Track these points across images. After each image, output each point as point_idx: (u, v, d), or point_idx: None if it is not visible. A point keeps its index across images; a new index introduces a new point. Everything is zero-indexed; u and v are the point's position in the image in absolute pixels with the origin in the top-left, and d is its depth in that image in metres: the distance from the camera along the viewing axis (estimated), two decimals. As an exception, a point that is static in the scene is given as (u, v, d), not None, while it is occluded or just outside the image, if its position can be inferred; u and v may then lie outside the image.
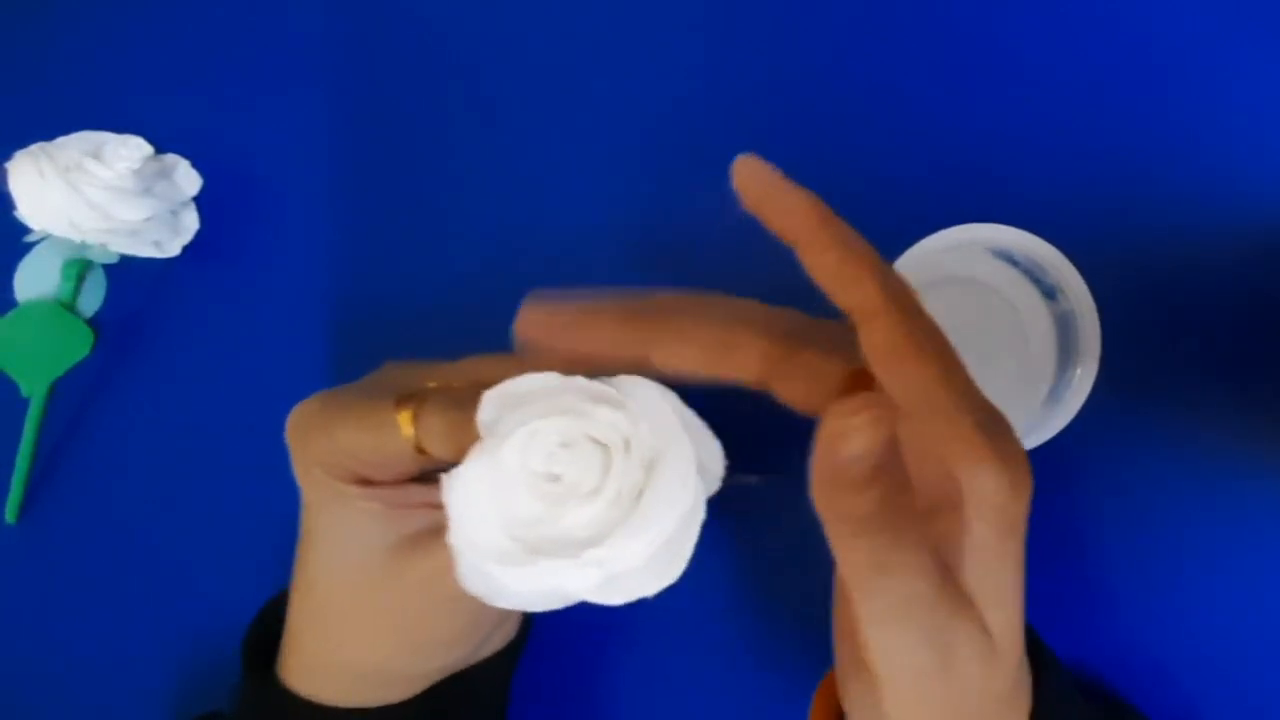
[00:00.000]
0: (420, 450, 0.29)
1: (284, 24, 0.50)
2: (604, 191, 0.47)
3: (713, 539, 0.44)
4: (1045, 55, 0.45)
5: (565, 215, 0.47)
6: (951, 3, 0.46)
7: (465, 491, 0.27)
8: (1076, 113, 0.44)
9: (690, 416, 0.28)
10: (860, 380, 0.28)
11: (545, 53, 0.48)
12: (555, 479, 0.26)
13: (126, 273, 0.48)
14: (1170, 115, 0.44)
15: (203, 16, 0.50)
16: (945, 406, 0.27)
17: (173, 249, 0.48)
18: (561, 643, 0.44)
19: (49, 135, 0.46)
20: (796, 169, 0.46)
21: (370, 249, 0.48)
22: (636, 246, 0.46)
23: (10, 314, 0.48)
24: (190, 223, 0.48)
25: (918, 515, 0.28)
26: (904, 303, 0.27)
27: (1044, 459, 0.40)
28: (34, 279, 0.49)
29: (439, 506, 0.30)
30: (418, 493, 0.32)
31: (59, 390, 0.47)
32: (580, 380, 0.27)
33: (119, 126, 0.47)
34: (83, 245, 0.46)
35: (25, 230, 0.46)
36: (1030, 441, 0.40)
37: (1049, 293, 0.40)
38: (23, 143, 0.45)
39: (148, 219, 0.46)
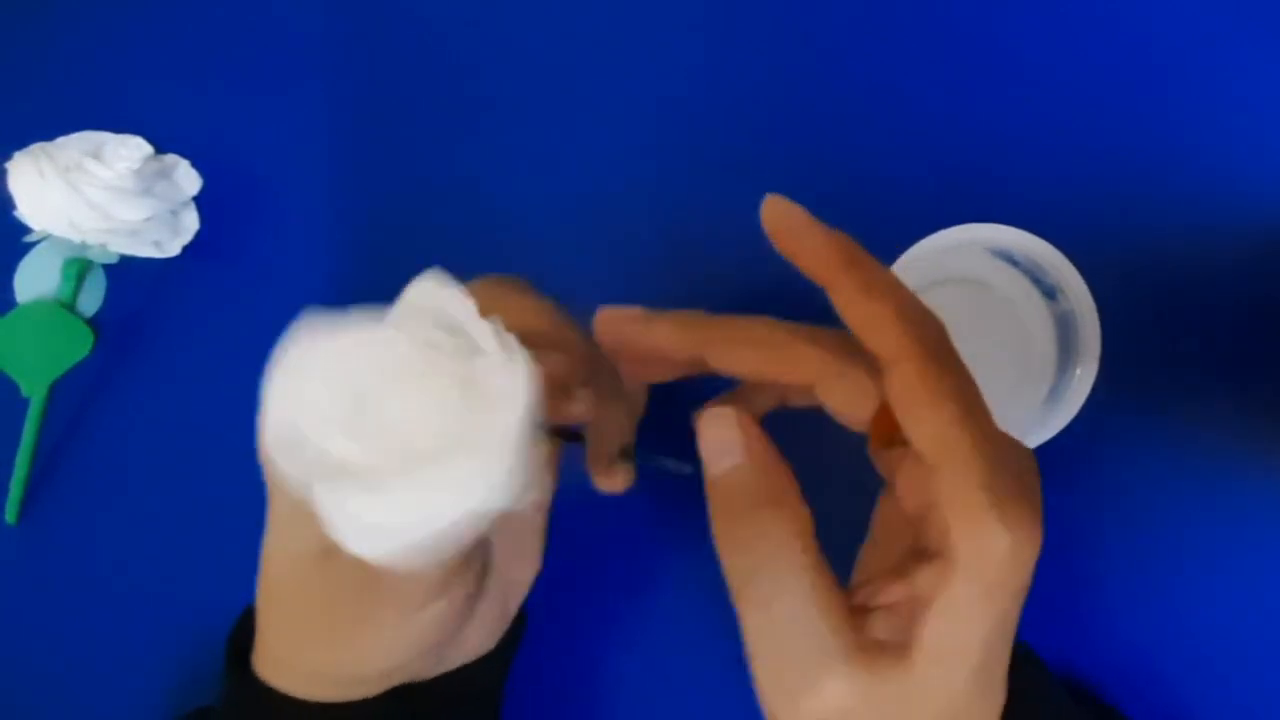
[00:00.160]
0: None
1: (284, 24, 0.50)
2: (605, 192, 0.47)
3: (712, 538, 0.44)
4: (1045, 55, 0.45)
5: (566, 215, 0.47)
6: (951, 3, 0.46)
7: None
8: (1076, 113, 0.45)
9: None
10: (889, 411, 0.28)
11: (545, 53, 0.48)
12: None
13: (126, 273, 0.48)
14: (1170, 115, 0.44)
15: (203, 16, 0.50)
16: (956, 459, 0.27)
17: (173, 249, 0.48)
18: (559, 644, 0.44)
19: (49, 135, 0.46)
20: (797, 169, 0.46)
21: (370, 249, 0.48)
22: (638, 246, 0.46)
23: (10, 314, 0.48)
24: (190, 223, 0.48)
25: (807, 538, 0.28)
26: (927, 347, 0.27)
27: (1044, 459, 0.40)
28: (34, 279, 0.49)
29: None
30: None
31: (59, 390, 0.47)
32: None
33: (119, 126, 0.47)
34: (83, 245, 0.46)
35: (25, 230, 0.46)
36: (1030, 441, 0.40)
37: (1049, 293, 0.40)
38: (23, 143, 0.45)
39: (148, 219, 0.46)
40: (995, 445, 0.28)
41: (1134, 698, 0.42)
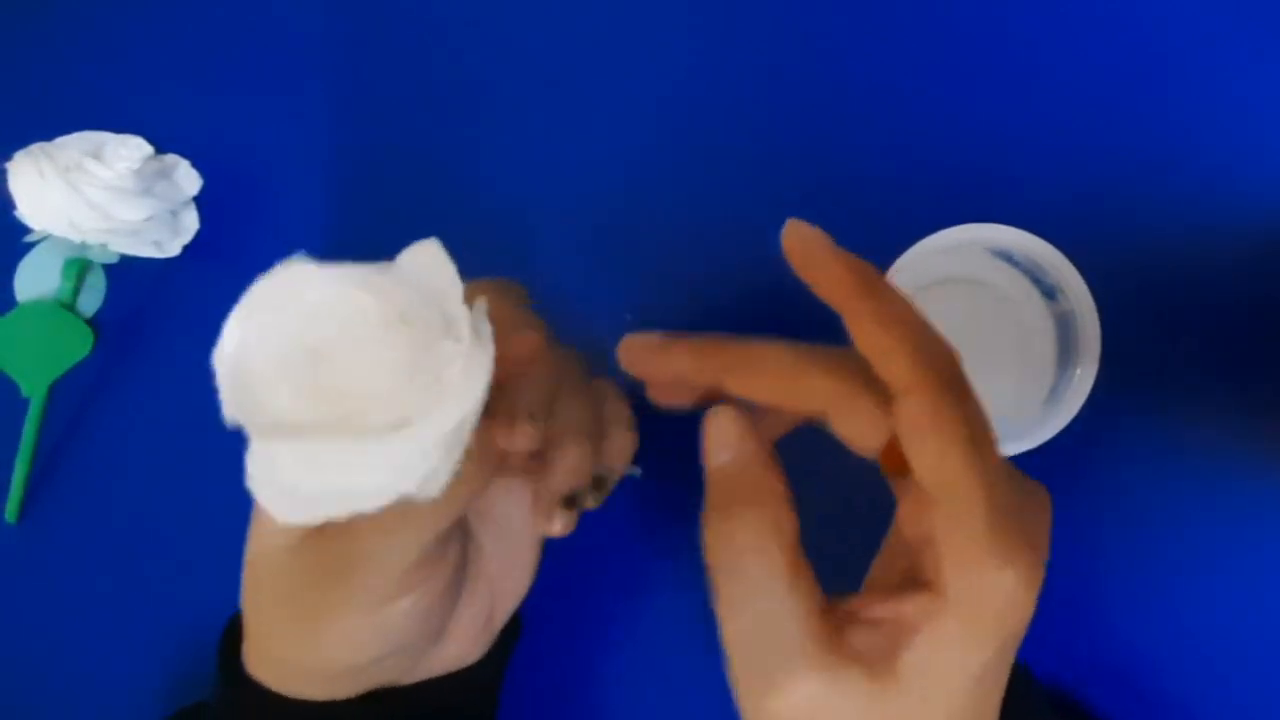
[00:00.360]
0: None
1: (284, 24, 0.50)
2: (605, 192, 0.47)
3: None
4: (1046, 55, 0.45)
5: (566, 215, 0.47)
6: (952, 3, 0.46)
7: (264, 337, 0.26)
8: (1077, 113, 0.45)
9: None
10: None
11: (545, 52, 0.48)
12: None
13: (126, 273, 0.48)
14: (1170, 116, 0.44)
15: (203, 16, 0.50)
16: (956, 495, 0.27)
17: (173, 249, 0.48)
18: (556, 646, 0.44)
19: (49, 135, 0.46)
20: (797, 169, 0.46)
21: (370, 249, 0.48)
22: (638, 246, 0.46)
23: (10, 314, 0.48)
24: (190, 223, 0.48)
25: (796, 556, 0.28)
26: (938, 380, 0.27)
27: (1044, 459, 0.40)
28: (34, 279, 0.49)
29: None
30: None
31: (59, 390, 0.47)
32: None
33: (119, 126, 0.47)
34: (83, 245, 0.46)
35: (25, 230, 0.46)
36: (1030, 441, 0.40)
37: (1049, 293, 0.40)
38: (23, 143, 0.45)
39: (148, 219, 0.46)
40: (999, 483, 0.27)
41: (1133, 698, 0.42)
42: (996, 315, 0.39)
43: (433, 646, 0.34)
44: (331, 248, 0.48)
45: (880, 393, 0.28)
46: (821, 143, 0.46)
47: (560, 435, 0.33)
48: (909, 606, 0.28)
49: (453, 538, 0.33)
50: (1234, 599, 0.41)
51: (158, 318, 0.49)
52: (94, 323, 0.48)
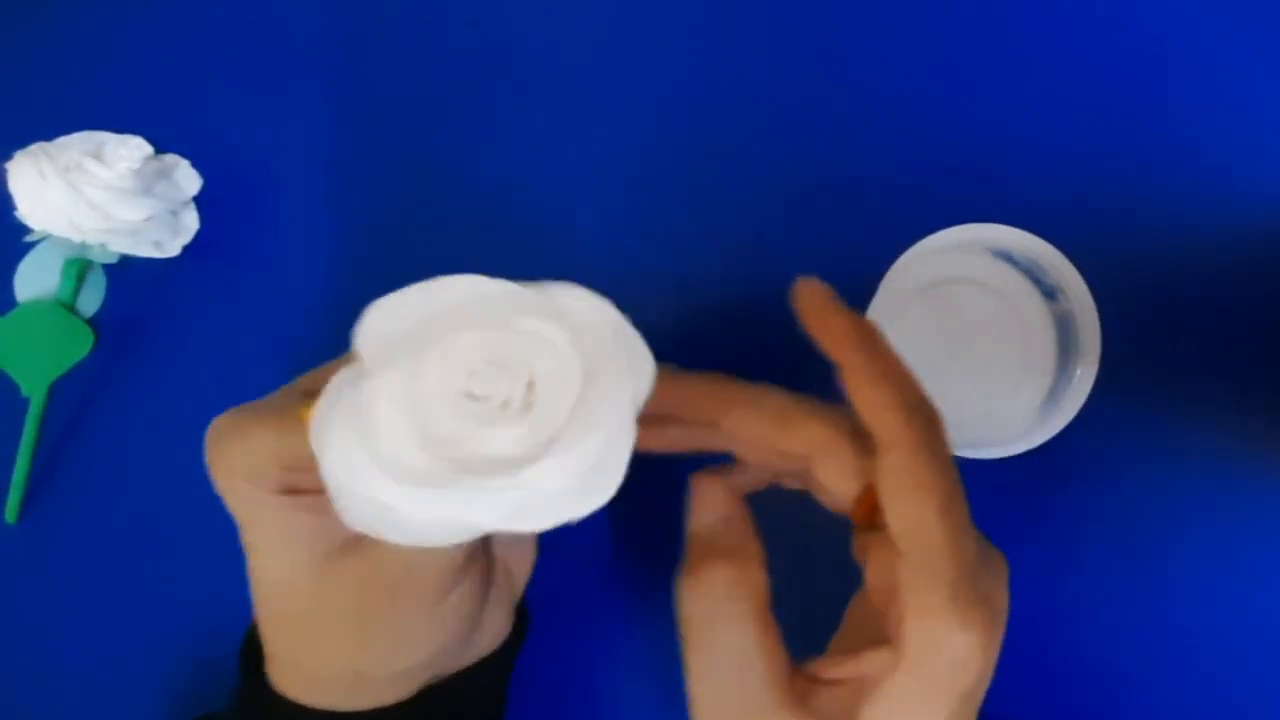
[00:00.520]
0: None
1: (284, 24, 0.50)
2: (605, 192, 0.47)
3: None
4: (1046, 55, 0.45)
5: (566, 215, 0.47)
6: (952, 3, 0.46)
7: (373, 406, 0.25)
8: (1077, 113, 0.44)
9: (625, 326, 0.27)
10: (873, 493, 0.30)
11: (546, 53, 0.48)
12: (477, 398, 0.25)
13: (126, 273, 0.48)
14: (1170, 115, 0.44)
15: (203, 17, 0.50)
16: (926, 549, 0.28)
17: (173, 249, 0.48)
18: (560, 643, 0.44)
19: (49, 135, 0.46)
20: (797, 169, 0.46)
21: (370, 249, 0.48)
22: (638, 247, 0.46)
23: (10, 314, 0.48)
24: (190, 223, 0.48)
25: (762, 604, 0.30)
26: (922, 437, 0.29)
27: (1044, 459, 0.40)
28: (34, 279, 0.49)
29: None
30: None
31: (59, 390, 0.47)
32: (510, 287, 0.27)
33: (119, 126, 0.47)
34: (83, 245, 0.46)
35: (25, 230, 0.46)
36: (1030, 441, 0.40)
37: (1049, 293, 0.40)
38: (23, 143, 0.45)
39: (148, 219, 0.46)
40: (968, 544, 0.29)
41: (1133, 698, 0.42)
42: (996, 315, 0.39)
43: (474, 633, 0.35)
44: (331, 247, 0.48)
45: (863, 445, 0.30)
46: (821, 143, 0.46)
47: None
48: (870, 664, 0.29)
49: None
50: (1234, 599, 0.41)
51: (158, 318, 0.49)
52: (94, 323, 0.48)
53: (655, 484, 0.45)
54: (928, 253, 0.41)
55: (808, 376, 0.44)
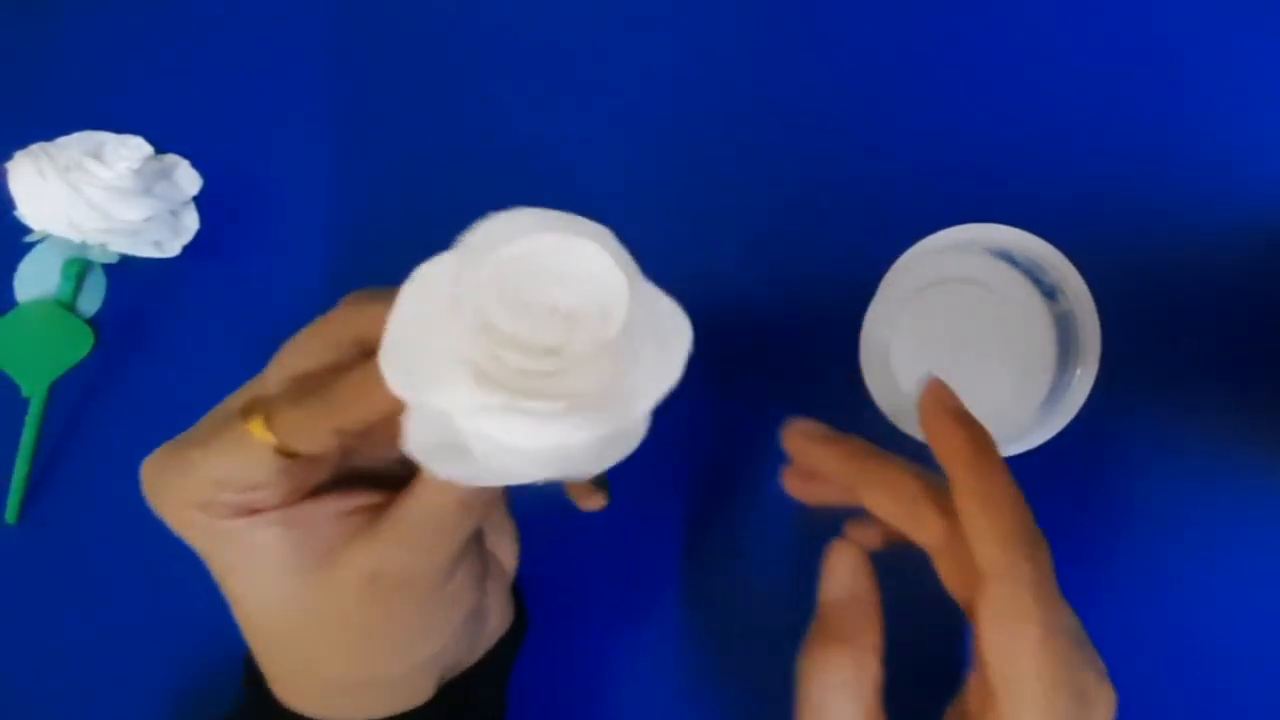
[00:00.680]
0: (287, 454, 0.29)
1: (284, 24, 0.50)
2: (607, 192, 0.47)
3: (713, 537, 0.44)
4: (1046, 55, 0.45)
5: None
6: (952, 3, 0.46)
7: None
8: (1077, 113, 0.44)
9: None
10: None
11: (547, 52, 0.48)
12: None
13: (126, 273, 0.48)
14: (1170, 115, 0.44)
15: (203, 17, 0.50)
16: (1017, 697, 0.29)
17: (173, 249, 0.48)
18: (560, 643, 0.44)
19: (49, 135, 0.46)
20: (797, 169, 0.46)
21: (370, 249, 0.48)
22: (640, 246, 0.46)
23: (10, 314, 0.48)
24: (190, 223, 0.48)
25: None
26: (1021, 572, 0.30)
27: (1044, 459, 0.40)
28: (34, 279, 0.49)
29: (348, 514, 0.30)
30: (318, 507, 0.31)
31: (59, 390, 0.47)
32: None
33: (119, 126, 0.47)
34: (83, 245, 0.46)
35: (25, 230, 0.46)
36: (1030, 441, 0.40)
37: (1049, 293, 0.40)
38: (23, 143, 0.45)
39: (148, 219, 0.46)
40: (1061, 692, 0.30)
41: (1133, 698, 0.42)
42: (996, 315, 0.39)
43: (479, 623, 0.35)
44: (331, 247, 0.48)
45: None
46: (822, 142, 0.46)
47: None
48: None
49: None
50: (1234, 599, 0.41)
51: (158, 318, 0.49)
52: (94, 323, 0.48)
53: (655, 485, 0.45)
54: (928, 253, 0.41)
55: (807, 376, 0.44)
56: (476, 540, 0.34)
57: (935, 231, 0.42)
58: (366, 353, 0.28)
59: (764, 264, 0.45)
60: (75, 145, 0.46)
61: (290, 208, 0.48)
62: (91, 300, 0.49)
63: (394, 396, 0.26)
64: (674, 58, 0.47)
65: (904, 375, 0.40)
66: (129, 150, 0.46)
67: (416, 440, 0.25)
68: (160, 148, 0.47)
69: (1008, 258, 0.40)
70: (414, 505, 0.29)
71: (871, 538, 0.35)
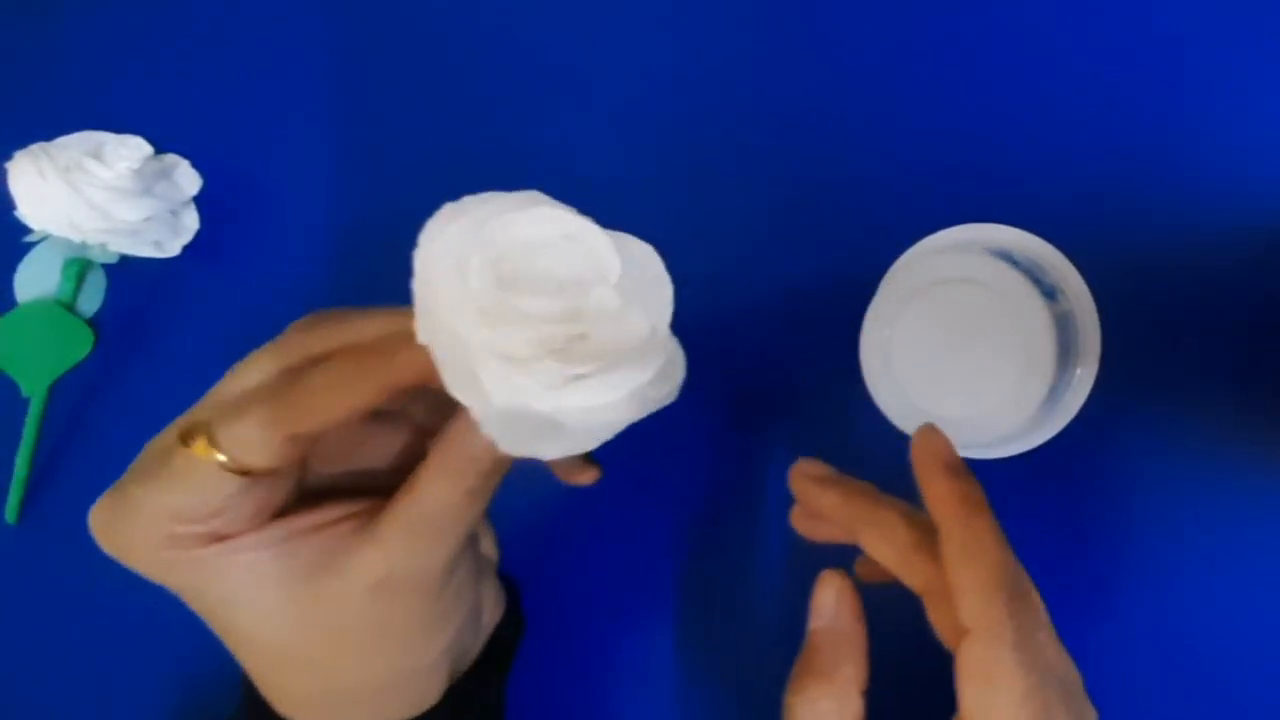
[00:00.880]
0: (240, 471, 0.28)
1: (283, 24, 0.50)
2: (608, 191, 0.47)
3: (712, 537, 0.44)
4: (1046, 55, 0.45)
5: (565, 215, 0.47)
6: (952, 3, 0.46)
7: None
8: (1077, 113, 0.44)
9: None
10: None
11: (547, 52, 0.48)
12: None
13: (126, 273, 0.48)
14: (1170, 115, 0.44)
15: (202, 17, 0.50)
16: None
17: (173, 249, 0.48)
18: (559, 644, 0.44)
19: (49, 135, 0.46)
20: (797, 169, 0.46)
21: (370, 249, 0.48)
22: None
23: (10, 314, 0.48)
24: (190, 223, 0.48)
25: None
26: (1002, 628, 0.30)
27: (1044, 459, 0.40)
28: (34, 279, 0.49)
29: (328, 524, 0.30)
30: (292, 524, 0.30)
31: (59, 390, 0.47)
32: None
33: (119, 126, 0.47)
34: (83, 245, 0.46)
35: (25, 230, 0.46)
36: (1030, 441, 0.40)
37: (1049, 293, 0.40)
38: (23, 143, 0.45)
39: (148, 219, 0.46)
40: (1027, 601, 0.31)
41: (1133, 698, 0.42)
42: (996, 315, 0.39)
43: (479, 613, 0.35)
44: (331, 247, 0.48)
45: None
46: (822, 143, 0.46)
47: None
48: None
49: None
50: (1234, 599, 0.41)
51: (158, 318, 0.49)
52: (94, 323, 0.48)
53: (654, 485, 0.45)
54: (928, 253, 0.41)
55: (806, 375, 0.44)
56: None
57: (935, 231, 0.42)
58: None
59: (764, 264, 0.45)
60: (75, 145, 0.46)
61: (290, 208, 0.48)
62: (91, 300, 0.49)
63: (353, 396, 0.27)
64: (674, 58, 0.47)
65: (904, 375, 0.40)
66: (129, 150, 0.46)
67: (504, 440, 0.25)
68: (160, 148, 0.47)
69: (1008, 258, 0.40)
70: (419, 503, 0.29)
71: (875, 572, 0.35)
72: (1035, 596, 0.32)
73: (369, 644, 0.31)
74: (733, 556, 0.44)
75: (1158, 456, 0.42)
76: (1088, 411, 0.40)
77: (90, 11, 0.51)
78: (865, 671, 0.33)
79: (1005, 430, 0.39)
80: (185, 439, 0.29)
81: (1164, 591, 0.42)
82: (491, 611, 0.36)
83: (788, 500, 0.37)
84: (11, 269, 0.49)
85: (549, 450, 0.26)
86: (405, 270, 0.29)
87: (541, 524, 0.45)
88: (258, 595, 0.30)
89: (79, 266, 0.47)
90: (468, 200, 0.27)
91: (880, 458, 0.37)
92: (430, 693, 0.33)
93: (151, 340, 0.48)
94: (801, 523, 0.38)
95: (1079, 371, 0.40)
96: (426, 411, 0.33)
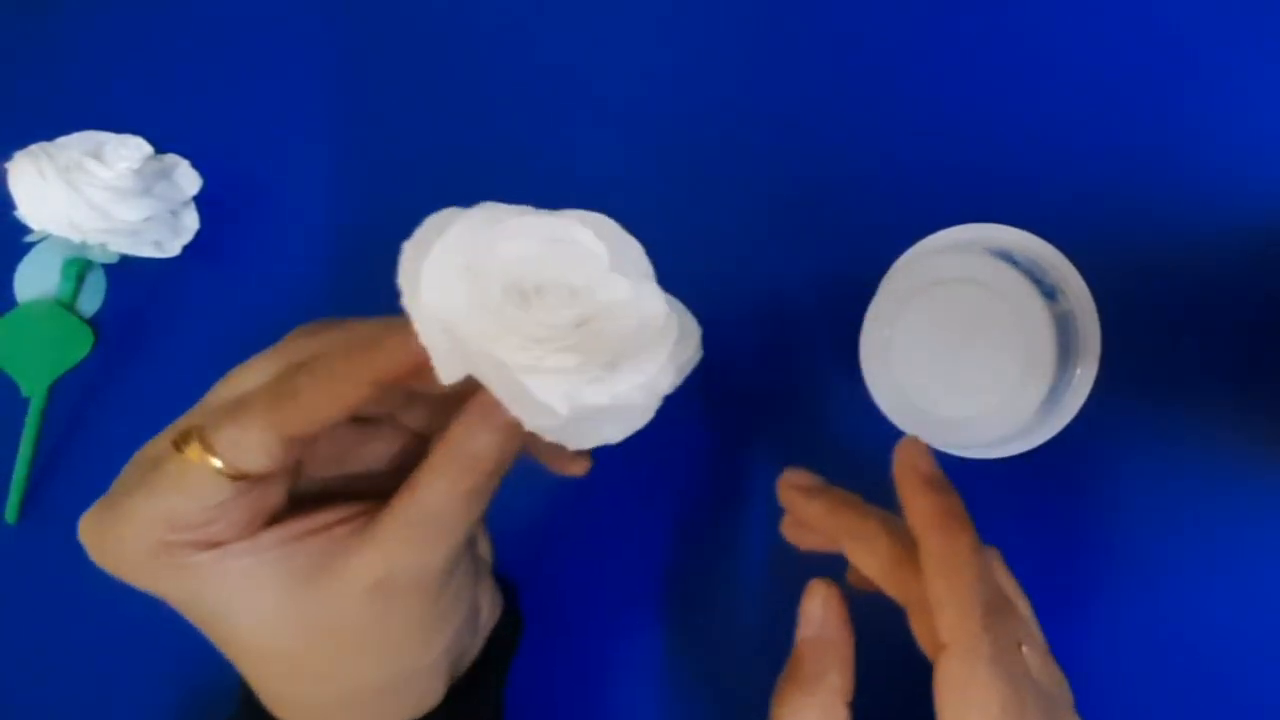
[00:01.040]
0: (234, 475, 0.28)
1: (283, 24, 0.50)
2: (609, 192, 0.47)
3: (711, 537, 0.44)
4: (1046, 55, 0.45)
5: (565, 215, 0.47)
6: (952, 3, 0.46)
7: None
8: (1077, 113, 0.44)
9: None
10: None
11: (547, 53, 0.48)
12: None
13: (126, 273, 0.48)
14: (1171, 115, 0.44)
15: (203, 16, 0.50)
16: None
17: (173, 249, 0.48)
18: (558, 644, 0.44)
19: (49, 135, 0.46)
20: (797, 169, 0.46)
21: (370, 249, 0.48)
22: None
23: (10, 314, 0.48)
24: (190, 223, 0.48)
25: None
26: (978, 642, 0.30)
27: (1044, 459, 0.40)
28: (34, 279, 0.49)
29: (324, 528, 0.30)
30: (288, 528, 0.30)
31: (59, 390, 0.47)
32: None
33: (119, 126, 0.47)
34: (83, 245, 0.46)
35: (25, 230, 0.46)
36: (1030, 441, 0.40)
37: (1049, 293, 0.40)
38: (23, 143, 0.45)
39: (148, 219, 0.46)
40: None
41: (1133, 698, 0.42)
42: (996, 315, 0.39)
43: (478, 611, 0.35)
44: (331, 247, 0.48)
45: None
46: (822, 143, 0.46)
47: None
48: None
49: None
50: (1234, 599, 0.41)
51: (158, 318, 0.49)
52: (94, 323, 0.48)
53: (653, 484, 0.45)
54: (928, 253, 0.41)
55: (808, 375, 0.44)
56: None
57: (935, 231, 0.41)
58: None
59: (764, 264, 0.45)
60: (75, 145, 0.46)
61: (290, 208, 0.48)
62: (91, 300, 0.49)
63: (344, 390, 0.28)
64: (674, 58, 0.47)
65: (904, 375, 0.40)
66: (129, 150, 0.46)
67: (573, 441, 0.27)
68: (160, 148, 0.47)
69: (1008, 258, 0.40)
70: (420, 502, 0.29)
71: (865, 581, 0.35)
72: (1020, 610, 0.32)
73: (368, 646, 0.31)
74: (731, 557, 0.44)
75: (1158, 456, 0.42)
76: (1088, 411, 0.40)
77: (90, 11, 0.51)
78: (851, 682, 0.33)
79: (1005, 430, 0.39)
80: (179, 444, 0.28)
81: (1163, 591, 0.42)
82: (489, 612, 0.36)
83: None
84: (11, 269, 0.49)
85: (615, 434, 0.28)
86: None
87: (539, 524, 0.45)
88: (255, 600, 0.29)
89: (79, 266, 0.47)
90: (424, 234, 0.29)
91: (880, 458, 0.37)
92: (430, 694, 0.33)
93: (151, 340, 0.48)
94: (791, 531, 0.38)
95: (1079, 371, 0.40)
96: (417, 416, 0.33)
